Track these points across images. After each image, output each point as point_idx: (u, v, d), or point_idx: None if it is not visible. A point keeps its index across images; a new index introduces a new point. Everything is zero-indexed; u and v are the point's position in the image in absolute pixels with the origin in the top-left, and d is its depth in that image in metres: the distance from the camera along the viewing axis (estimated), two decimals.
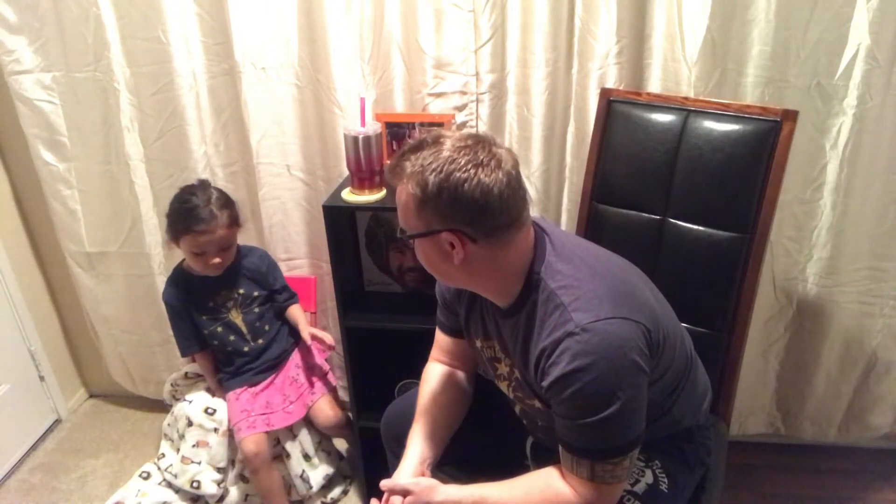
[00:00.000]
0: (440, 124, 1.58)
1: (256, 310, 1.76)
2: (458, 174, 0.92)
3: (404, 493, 1.07)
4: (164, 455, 1.88)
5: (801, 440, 1.94)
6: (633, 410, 0.96)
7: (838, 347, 1.77)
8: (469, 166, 0.92)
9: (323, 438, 1.88)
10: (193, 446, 1.76)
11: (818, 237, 1.67)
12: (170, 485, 1.83)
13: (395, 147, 1.62)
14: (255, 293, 1.75)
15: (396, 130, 1.62)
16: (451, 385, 1.27)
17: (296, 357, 1.85)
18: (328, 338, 1.72)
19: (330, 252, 1.59)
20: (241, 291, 1.74)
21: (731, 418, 1.43)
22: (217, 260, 1.63)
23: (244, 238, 1.99)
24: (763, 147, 1.27)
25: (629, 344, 0.94)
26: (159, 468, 1.88)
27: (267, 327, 1.78)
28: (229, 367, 1.79)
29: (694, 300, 1.34)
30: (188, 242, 1.61)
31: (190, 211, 1.58)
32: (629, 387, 0.94)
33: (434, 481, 1.07)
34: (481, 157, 0.93)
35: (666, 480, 1.12)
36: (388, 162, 1.01)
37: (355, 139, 1.49)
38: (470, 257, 0.97)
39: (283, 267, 1.97)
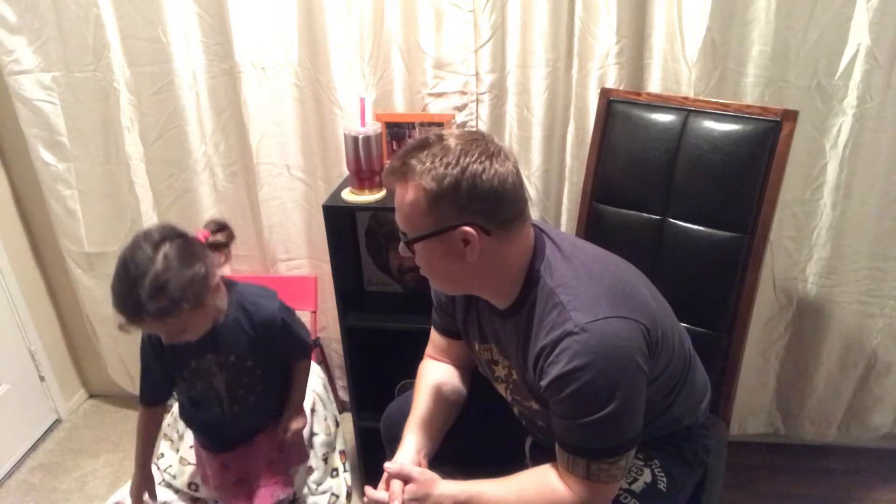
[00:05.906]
0: (440, 124, 1.58)
1: (245, 380, 1.38)
2: (474, 165, 0.92)
3: (408, 478, 1.07)
4: (163, 455, 1.87)
5: (801, 440, 1.94)
6: (631, 410, 0.97)
7: (838, 347, 1.77)
8: (483, 157, 0.92)
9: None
10: (191, 447, 1.76)
11: (818, 237, 1.67)
12: (169, 485, 1.83)
13: (395, 147, 1.62)
14: (250, 362, 1.35)
15: (396, 130, 1.62)
16: (445, 383, 1.28)
17: (272, 435, 1.46)
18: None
19: (330, 252, 1.59)
20: (233, 358, 1.33)
21: (731, 418, 1.43)
22: (179, 341, 1.21)
23: (245, 245, 1.94)
24: (763, 147, 1.27)
25: (629, 344, 0.94)
26: (159, 468, 1.87)
27: (252, 399, 1.39)
28: (185, 416, 1.49)
29: (694, 300, 1.34)
30: None
31: (114, 295, 1.15)
32: (627, 386, 0.94)
33: (434, 475, 1.08)
34: (491, 149, 0.94)
35: (665, 479, 1.12)
36: (387, 164, 1.00)
37: (355, 139, 1.49)
38: (483, 251, 0.96)
39: (282, 267, 1.97)
